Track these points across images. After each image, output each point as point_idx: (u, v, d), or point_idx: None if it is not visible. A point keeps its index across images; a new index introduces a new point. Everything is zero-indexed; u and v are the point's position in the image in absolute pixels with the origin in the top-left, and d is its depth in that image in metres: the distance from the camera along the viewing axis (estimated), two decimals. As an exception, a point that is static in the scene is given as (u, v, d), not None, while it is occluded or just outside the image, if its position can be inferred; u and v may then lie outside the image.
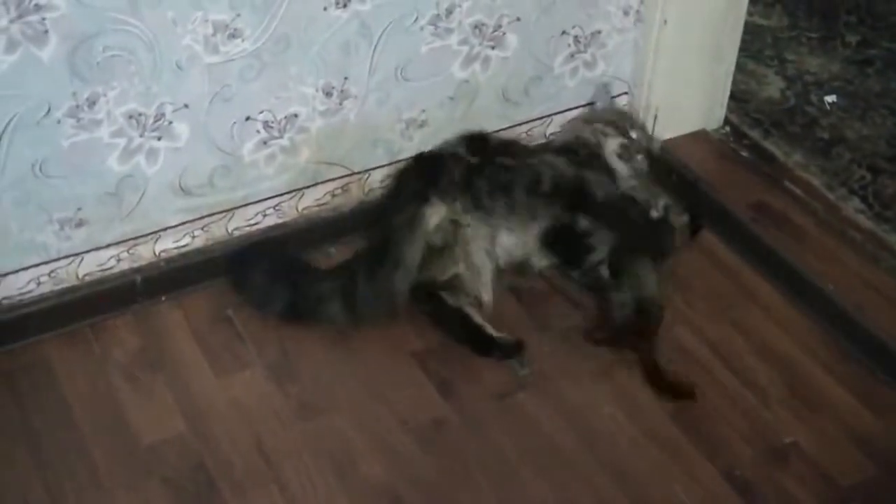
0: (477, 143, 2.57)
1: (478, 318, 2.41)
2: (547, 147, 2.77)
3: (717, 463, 2.19)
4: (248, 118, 2.40)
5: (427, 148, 2.66)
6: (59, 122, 2.19)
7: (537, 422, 2.27)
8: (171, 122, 2.32)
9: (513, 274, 2.53)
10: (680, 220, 2.61)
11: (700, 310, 2.52)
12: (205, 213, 2.49)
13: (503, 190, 2.49)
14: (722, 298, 2.56)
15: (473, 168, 2.50)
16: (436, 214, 2.45)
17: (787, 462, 2.20)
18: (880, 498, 2.17)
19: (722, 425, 2.27)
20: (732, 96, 3.04)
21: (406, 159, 2.65)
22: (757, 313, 2.53)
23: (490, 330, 2.40)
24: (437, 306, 2.43)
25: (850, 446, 2.23)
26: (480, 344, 2.39)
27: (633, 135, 2.68)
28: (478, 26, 2.56)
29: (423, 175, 2.51)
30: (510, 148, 2.62)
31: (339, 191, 2.64)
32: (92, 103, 2.21)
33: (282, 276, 2.46)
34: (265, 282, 2.46)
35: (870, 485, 2.17)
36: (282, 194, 2.56)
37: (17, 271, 2.35)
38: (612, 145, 2.65)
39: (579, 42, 2.75)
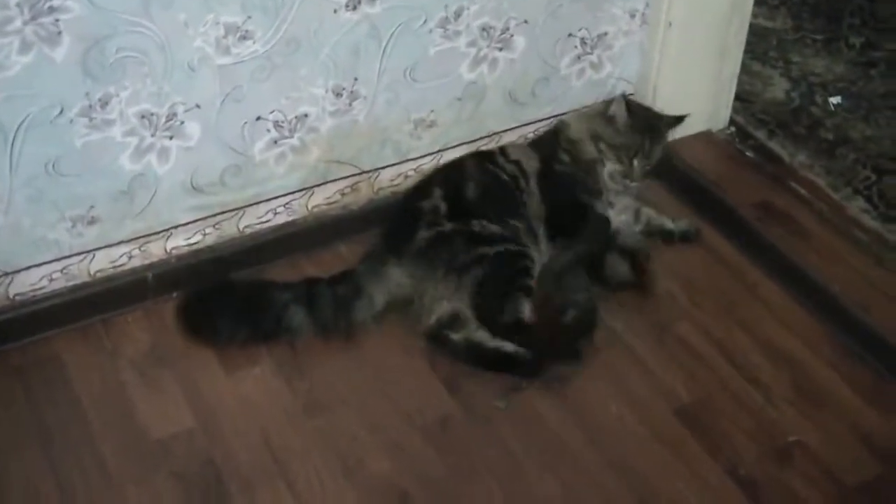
0: (457, 200, 2.51)
1: (491, 343, 2.37)
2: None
3: (722, 461, 2.20)
4: (258, 118, 2.42)
5: (437, 147, 2.69)
6: (71, 121, 2.21)
7: (544, 419, 2.28)
8: (182, 122, 2.33)
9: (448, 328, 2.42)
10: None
11: (705, 308, 2.53)
12: (216, 212, 2.51)
13: (448, 264, 2.43)
14: (727, 297, 2.57)
15: (441, 236, 2.46)
16: (395, 273, 2.45)
17: (792, 460, 2.21)
18: (885, 496, 2.18)
19: (727, 423, 2.28)
20: (738, 97, 3.06)
21: (415, 158, 2.68)
22: (762, 312, 2.54)
23: (508, 348, 2.37)
24: (447, 346, 2.39)
25: (855, 444, 2.24)
26: (500, 365, 2.36)
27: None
28: (486, 29, 2.57)
29: (393, 234, 2.50)
30: (497, 194, 2.55)
31: (349, 189, 2.65)
32: (104, 103, 2.22)
33: (240, 307, 2.42)
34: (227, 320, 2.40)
35: (875, 483, 2.18)
36: (292, 192, 2.58)
37: (29, 268, 2.36)
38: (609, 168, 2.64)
39: (586, 44, 2.76)
